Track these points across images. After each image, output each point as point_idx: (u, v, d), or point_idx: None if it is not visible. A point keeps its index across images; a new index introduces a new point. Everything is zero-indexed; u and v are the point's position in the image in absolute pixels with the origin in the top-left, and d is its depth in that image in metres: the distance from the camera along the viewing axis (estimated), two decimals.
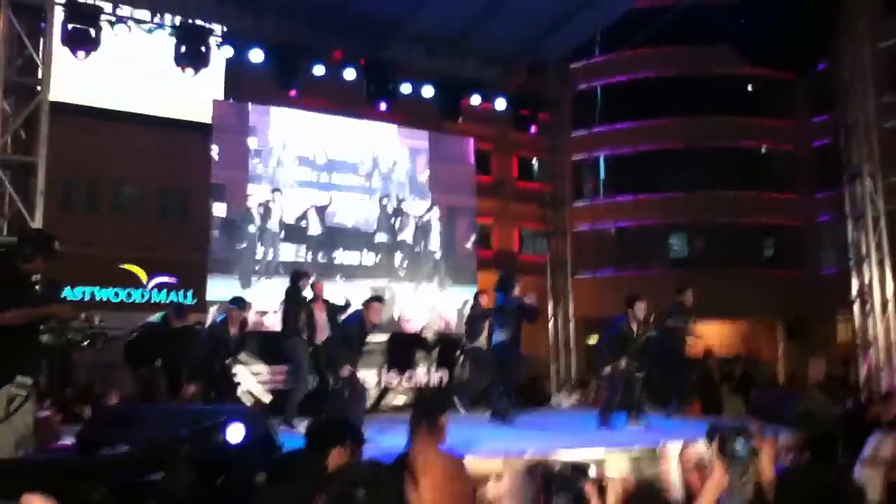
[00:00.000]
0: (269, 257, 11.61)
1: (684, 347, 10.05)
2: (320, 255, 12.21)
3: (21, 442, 5.32)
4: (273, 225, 11.82)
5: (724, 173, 25.42)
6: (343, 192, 12.76)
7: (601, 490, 2.16)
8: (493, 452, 6.61)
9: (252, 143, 12.05)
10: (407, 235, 13.10)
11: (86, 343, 5.99)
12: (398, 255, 13.03)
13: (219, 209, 11.48)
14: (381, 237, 12.91)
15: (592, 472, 2.21)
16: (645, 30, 14.73)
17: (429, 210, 13.34)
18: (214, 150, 11.69)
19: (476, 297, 10.38)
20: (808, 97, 25.05)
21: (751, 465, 2.71)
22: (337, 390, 8.38)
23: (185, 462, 4.40)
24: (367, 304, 8.64)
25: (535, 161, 26.21)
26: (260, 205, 11.84)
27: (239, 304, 9.24)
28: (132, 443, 5.19)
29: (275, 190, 11.98)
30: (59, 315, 5.44)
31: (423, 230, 13.24)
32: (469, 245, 13.81)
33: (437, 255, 13.33)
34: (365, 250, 12.70)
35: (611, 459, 6.43)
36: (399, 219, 13.09)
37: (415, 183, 13.38)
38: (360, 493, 2.06)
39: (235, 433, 4.49)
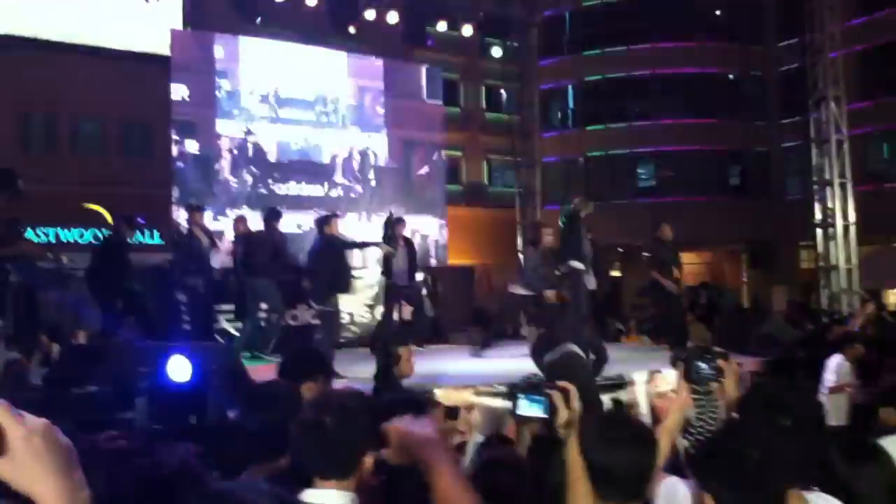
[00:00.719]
0: (244, 189, 11.33)
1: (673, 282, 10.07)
2: (279, 186, 11.90)
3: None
4: (241, 159, 11.51)
5: (692, 100, 25.37)
6: (302, 126, 12.31)
7: (566, 397, 2.17)
8: (462, 383, 6.70)
9: (216, 77, 11.58)
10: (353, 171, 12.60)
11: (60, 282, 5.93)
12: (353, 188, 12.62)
13: (190, 146, 11.11)
14: (338, 174, 12.50)
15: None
16: None
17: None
18: (178, 86, 11.25)
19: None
20: (775, 21, 24.91)
21: (714, 387, 2.75)
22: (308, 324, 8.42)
23: (142, 397, 4.42)
24: (325, 221, 8.62)
25: (502, 91, 25.96)
26: (230, 140, 11.49)
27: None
28: (101, 381, 5.18)
29: (247, 132, 11.58)
30: (28, 252, 5.39)
31: (364, 163, 12.69)
32: (422, 173, 13.20)
33: (373, 184, 12.71)
34: (325, 183, 12.30)
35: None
36: (349, 156, 12.60)
37: (370, 115, 12.74)
38: (329, 421, 2.06)
39: (179, 370, 4.41)
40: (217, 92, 11.41)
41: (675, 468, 2.85)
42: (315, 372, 3.87)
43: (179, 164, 10.94)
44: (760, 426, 2.16)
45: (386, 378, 4.94)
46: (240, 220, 9.60)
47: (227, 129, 11.42)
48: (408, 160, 13.02)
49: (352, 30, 11.67)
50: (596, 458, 2.11)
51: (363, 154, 12.65)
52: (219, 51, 11.56)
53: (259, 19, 11.46)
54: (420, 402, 3.56)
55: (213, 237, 9.35)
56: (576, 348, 5.92)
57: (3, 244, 5.44)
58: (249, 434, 2.57)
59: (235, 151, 11.41)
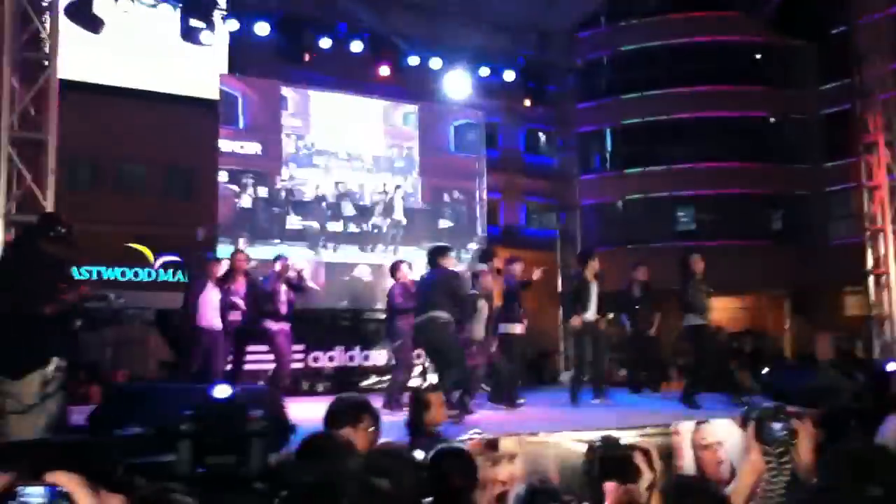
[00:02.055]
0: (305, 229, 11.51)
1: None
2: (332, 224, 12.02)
3: (51, 425, 5.34)
4: (298, 202, 11.64)
5: (732, 144, 25.17)
6: (345, 171, 12.36)
7: (647, 458, 2.06)
8: (505, 432, 6.53)
9: (282, 133, 11.65)
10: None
11: (111, 320, 6.02)
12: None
13: (255, 192, 11.21)
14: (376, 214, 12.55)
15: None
16: None
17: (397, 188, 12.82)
18: (252, 144, 11.29)
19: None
20: (816, 64, 24.70)
21: (789, 448, 2.59)
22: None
23: (184, 441, 4.36)
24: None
25: (541, 134, 26.00)
26: (283, 181, 11.57)
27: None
28: (143, 423, 5.14)
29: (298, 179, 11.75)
30: (87, 297, 5.51)
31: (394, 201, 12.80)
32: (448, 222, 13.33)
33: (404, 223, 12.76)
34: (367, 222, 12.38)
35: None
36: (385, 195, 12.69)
37: (404, 162, 12.85)
38: (384, 484, 1.98)
39: (221, 391, 4.44)
40: (283, 145, 11.62)
41: None
42: (360, 415, 3.81)
43: (242, 206, 10.90)
44: (849, 496, 2.02)
45: (417, 426, 4.83)
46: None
47: (288, 175, 11.70)
48: (437, 203, 13.19)
49: (385, 70, 11.69)
50: None
51: (394, 193, 12.80)
52: (289, 104, 11.78)
53: (300, 61, 11.51)
54: (467, 454, 3.45)
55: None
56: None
57: (69, 290, 5.55)
58: (301, 486, 2.49)
59: (293, 196, 11.68)
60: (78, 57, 13.83)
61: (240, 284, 8.76)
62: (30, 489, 0.98)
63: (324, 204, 11.95)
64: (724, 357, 12.45)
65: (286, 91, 12.09)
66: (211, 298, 8.50)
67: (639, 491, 2.06)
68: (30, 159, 8.11)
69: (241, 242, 10.84)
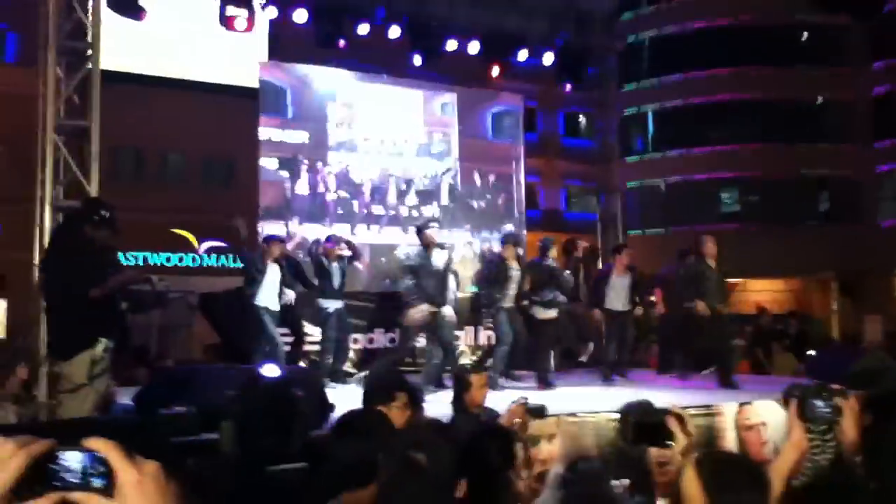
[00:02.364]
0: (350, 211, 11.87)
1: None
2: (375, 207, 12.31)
3: (99, 404, 5.49)
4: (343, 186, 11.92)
5: (778, 125, 24.71)
6: (386, 157, 12.54)
7: (682, 423, 2.05)
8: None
9: (326, 124, 11.82)
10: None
11: (155, 304, 6.17)
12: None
13: (309, 177, 11.51)
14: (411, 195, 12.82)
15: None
16: None
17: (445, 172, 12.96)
18: (299, 133, 11.52)
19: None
20: (864, 44, 24.09)
21: (833, 427, 2.55)
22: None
23: (230, 420, 4.44)
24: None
25: (581, 117, 25.80)
26: (329, 167, 11.80)
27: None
28: (188, 403, 5.26)
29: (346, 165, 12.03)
30: (132, 280, 5.65)
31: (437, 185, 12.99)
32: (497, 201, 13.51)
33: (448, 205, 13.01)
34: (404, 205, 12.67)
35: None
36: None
37: (443, 148, 13.01)
38: (423, 458, 1.99)
39: (270, 370, 4.53)
40: (328, 133, 11.85)
41: None
42: (393, 393, 3.85)
43: (292, 191, 11.22)
44: (891, 476, 1.98)
45: (458, 405, 4.84)
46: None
47: (335, 161, 11.96)
48: (475, 187, 13.30)
49: (417, 60, 11.71)
50: (708, 500, 2.00)
51: (440, 179, 12.93)
52: (335, 95, 11.98)
53: (339, 48, 11.54)
54: (506, 433, 3.45)
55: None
56: None
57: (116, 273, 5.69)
58: (341, 462, 2.52)
59: (339, 181, 11.94)
60: (120, 47, 14.09)
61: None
62: (68, 454, 1.00)
63: (369, 188, 12.16)
64: (764, 338, 12.30)
65: (332, 82, 12.21)
66: (272, 279, 8.51)
67: (674, 455, 2.05)
68: (75, 147, 8.28)
69: (294, 224, 11.22)
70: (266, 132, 11.36)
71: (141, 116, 18.02)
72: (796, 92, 24.65)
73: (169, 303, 9.64)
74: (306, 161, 11.56)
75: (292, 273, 8.82)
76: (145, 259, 18.83)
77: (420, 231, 8.40)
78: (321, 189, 11.75)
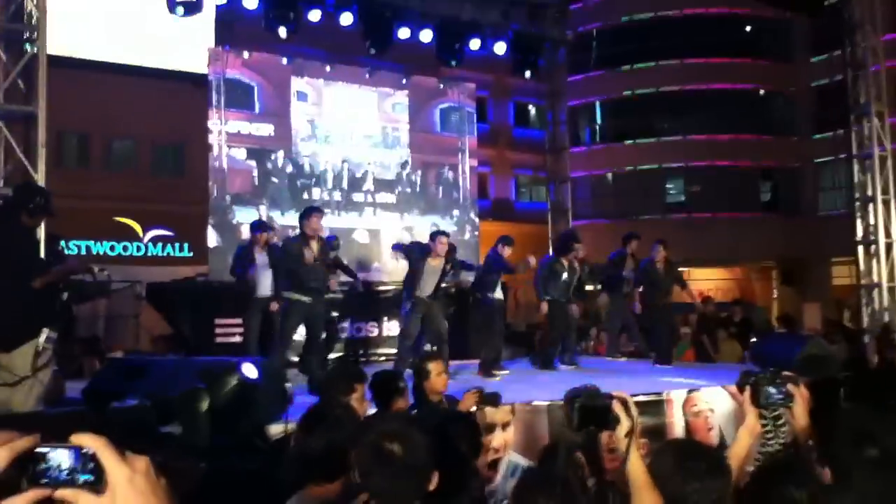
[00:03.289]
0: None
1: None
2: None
3: (45, 396, 5.36)
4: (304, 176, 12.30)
5: (722, 116, 25.21)
6: (343, 147, 12.84)
7: (625, 406, 2.11)
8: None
9: (290, 117, 12.24)
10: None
11: (95, 294, 6.04)
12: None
13: (274, 166, 12.01)
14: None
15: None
16: None
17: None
18: (265, 125, 12.07)
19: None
20: (805, 37, 24.71)
21: (785, 413, 2.65)
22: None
23: (202, 413, 4.39)
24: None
25: (531, 108, 25.95)
26: (293, 157, 12.27)
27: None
28: (141, 396, 5.17)
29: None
30: (74, 270, 5.53)
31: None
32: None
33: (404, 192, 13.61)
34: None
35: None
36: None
37: (393, 141, 13.43)
38: (397, 449, 2.01)
39: (250, 370, 4.47)
40: (293, 126, 12.46)
41: None
42: (353, 384, 3.87)
43: (259, 179, 11.67)
44: (846, 456, 2.07)
45: (418, 395, 4.86)
46: None
47: (298, 152, 12.61)
48: (426, 177, 13.80)
49: (381, 41, 11.74)
50: (672, 488, 2.06)
51: (390, 168, 13.45)
52: (298, 91, 12.51)
53: (289, 34, 11.48)
54: (472, 421, 3.50)
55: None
56: None
57: (57, 263, 5.57)
58: (310, 454, 2.52)
59: (303, 170, 12.60)
60: (66, 32, 13.69)
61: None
62: (57, 451, 0.99)
63: (330, 176, 12.62)
64: (708, 326, 12.58)
65: (297, 82, 12.65)
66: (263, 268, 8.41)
67: (618, 437, 2.11)
68: (19, 133, 8.02)
69: (263, 210, 11.81)
70: (235, 125, 11.87)
71: (86, 101, 17.57)
72: (740, 84, 25.18)
73: (110, 292, 9.49)
74: (272, 152, 12.14)
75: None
76: (88, 248, 18.40)
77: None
78: (284, 178, 12.28)
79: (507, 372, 8.82)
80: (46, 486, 0.97)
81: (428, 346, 8.66)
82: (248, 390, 3.95)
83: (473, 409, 4.83)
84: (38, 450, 0.98)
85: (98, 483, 0.98)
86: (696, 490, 2.05)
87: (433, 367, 4.90)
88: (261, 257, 8.37)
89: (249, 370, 4.16)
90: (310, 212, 7.80)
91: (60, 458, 0.98)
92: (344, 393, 3.75)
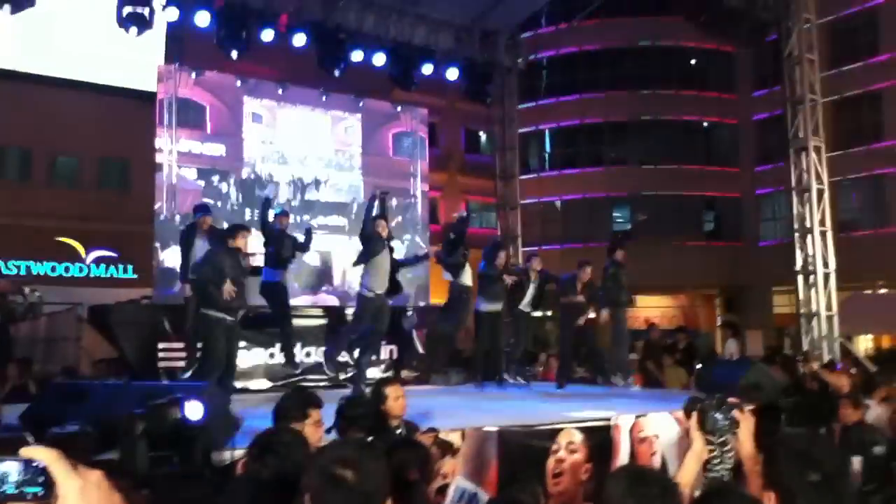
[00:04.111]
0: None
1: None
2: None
3: None
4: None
5: (667, 146, 25.79)
6: (296, 167, 12.85)
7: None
8: (451, 426, 6.56)
9: (242, 138, 12.19)
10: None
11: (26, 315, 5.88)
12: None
13: (224, 186, 11.95)
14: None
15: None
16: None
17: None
18: (217, 146, 11.97)
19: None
20: (749, 71, 25.50)
21: (731, 438, 2.70)
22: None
23: (142, 439, 4.27)
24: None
25: (481, 134, 26.17)
26: (244, 178, 12.20)
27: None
28: (81, 420, 5.02)
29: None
30: (4, 290, 5.37)
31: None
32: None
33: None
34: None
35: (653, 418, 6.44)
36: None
37: (348, 165, 13.49)
38: (350, 475, 1.98)
39: (194, 410, 4.36)
40: (244, 146, 12.40)
41: None
42: (308, 410, 3.81)
43: (207, 199, 11.54)
44: (790, 481, 2.12)
45: (375, 419, 4.82)
46: None
47: (249, 173, 12.56)
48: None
49: (335, 64, 11.79)
50: None
51: (342, 191, 13.42)
52: (252, 113, 12.45)
53: (241, 54, 11.43)
54: (422, 447, 3.48)
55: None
56: None
57: None
58: (259, 482, 2.48)
59: (254, 190, 12.47)
60: (7, 44, 13.43)
61: None
62: (5, 463, 0.98)
63: (283, 198, 12.66)
64: (655, 353, 12.76)
65: (250, 103, 12.61)
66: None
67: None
68: None
69: None
70: (186, 144, 11.78)
71: (29, 115, 17.19)
72: (685, 115, 25.82)
73: (41, 313, 9.23)
74: (222, 172, 12.10)
75: None
76: (28, 268, 17.90)
77: None
78: (235, 198, 12.24)
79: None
80: None
81: None
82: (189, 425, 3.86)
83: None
84: None
85: (48, 496, 0.98)
86: None
87: (391, 391, 4.85)
88: (201, 242, 8.29)
89: (193, 410, 4.04)
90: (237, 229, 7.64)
91: (9, 469, 0.98)
92: (297, 419, 3.70)
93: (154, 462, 3.86)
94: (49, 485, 0.98)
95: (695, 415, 2.71)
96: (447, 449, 4.98)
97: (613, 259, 10.02)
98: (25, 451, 0.99)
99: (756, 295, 24.65)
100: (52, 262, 18.52)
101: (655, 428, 7.49)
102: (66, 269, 18.83)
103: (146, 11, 10.25)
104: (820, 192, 11.79)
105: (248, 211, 12.25)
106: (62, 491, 0.98)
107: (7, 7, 9.29)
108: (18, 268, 17.32)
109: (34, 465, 0.98)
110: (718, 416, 2.68)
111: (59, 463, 0.99)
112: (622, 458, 7.06)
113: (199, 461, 4.29)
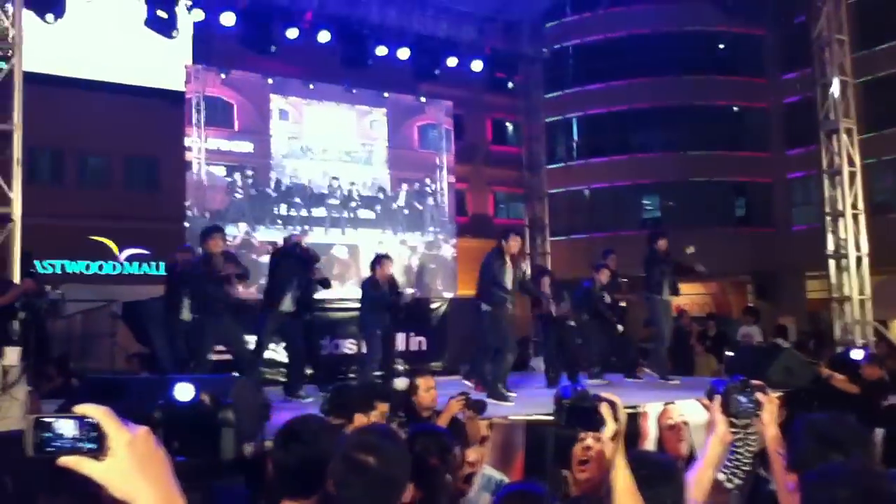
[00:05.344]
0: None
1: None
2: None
3: (26, 411, 5.35)
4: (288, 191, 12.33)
5: (696, 132, 25.51)
6: (326, 163, 12.97)
7: (613, 409, 2.14)
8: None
9: (259, 124, 12.40)
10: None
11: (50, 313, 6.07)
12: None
13: (254, 183, 12.32)
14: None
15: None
16: None
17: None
18: (244, 143, 12.32)
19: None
20: (778, 54, 25.11)
21: (755, 420, 2.70)
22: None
23: (159, 431, 4.37)
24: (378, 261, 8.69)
25: (508, 124, 26.11)
26: (273, 175, 12.54)
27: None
28: (117, 415, 5.13)
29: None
30: (26, 291, 5.58)
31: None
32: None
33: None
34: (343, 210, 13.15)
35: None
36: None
37: (376, 159, 13.56)
38: (373, 461, 2.02)
39: (183, 392, 4.41)
40: (272, 143, 12.75)
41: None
42: (377, 402, 3.89)
43: (237, 196, 11.65)
44: (812, 463, 2.12)
45: (408, 410, 4.87)
46: None
47: (279, 169, 12.91)
48: (403, 193, 14.13)
49: (360, 59, 11.88)
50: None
51: (368, 185, 13.69)
52: (278, 111, 12.82)
53: (267, 52, 11.50)
54: (441, 434, 3.51)
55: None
56: None
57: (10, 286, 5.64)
58: (285, 469, 2.52)
59: (282, 186, 12.82)
60: (41, 48, 13.62)
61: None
62: (60, 421, 1.05)
63: (310, 193, 12.76)
64: (685, 340, 12.68)
65: (276, 100, 12.93)
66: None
67: (604, 439, 2.14)
68: None
69: (243, 226, 12.13)
70: (214, 142, 12.07)
71: (60, 118, 17.44)
72: (714, 100, 25.50)
73: (63, 311, 9.40)
74: (251, 169, 12.33)
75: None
76: (63, 267, 18.21)
77: None
78: (264, 194, 12.55)
79: None
80: (51, 454, 1.04)
81: None
82: (208, 411, 3.93)
83: (460, 415, 4.84)
84: (43, 419, 1.05)
85: (100, 450, 1.04)
86: (650, 498, 2.11)
87: (422, 382, 4.89)
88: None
89: (183, 392, 4.11)
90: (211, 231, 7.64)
91: (64, 427, 1.04)
92: (364, 410, 3.77)
93: (182, 453, 3.94)
94: (101, 439, 1.04)
95: (718, 398, 2.70)
96: (480, 409, 5.03)
97: (653, 248, 9.73)
98: (79, 409, 1.06)
99: (789, 281, 24.33)
100: (87, 261, 18.83)
101: (684, 415, 7.48)
102: (101, 268, 19.13)
103: (173, 14, 10.37)
104: (852, 175, 11.60)
105: (278, 206, 12.38)
106: (112, 444, 1.05)
107: (50, 16, 9.46)
108: (53, 266, 17.62)
109: (87, 421, 1.05)
110: (742, 398, 2.67)
111: (109, 419, 1.06)
112: (650, 445, 7.06)
113: (229, 452, 4.37)
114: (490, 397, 7.50)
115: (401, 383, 7.39)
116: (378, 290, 8.66)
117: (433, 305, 11.87)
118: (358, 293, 12.10)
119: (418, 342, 12.06)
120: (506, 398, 7.65)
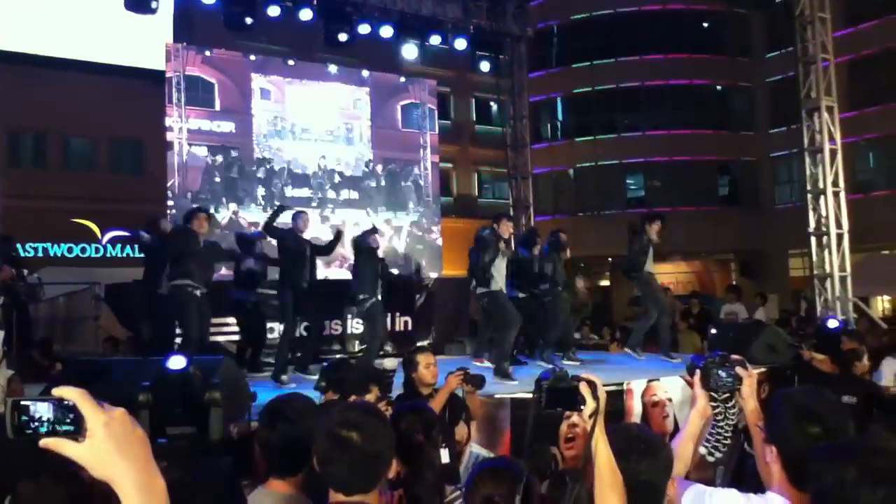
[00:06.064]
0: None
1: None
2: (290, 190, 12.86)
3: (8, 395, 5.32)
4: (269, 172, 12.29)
5: (681, 112, 25.55)
6: (310, 143, 12.91)
7: (592, 389, 2.17)
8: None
9: (252, 115, 12.28)
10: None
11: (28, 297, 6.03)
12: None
13: (235, 162, 12.27)
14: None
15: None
16: None
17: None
18: (226, 123, 12.23)
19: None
20: (762, 33, 25.16)
21: (735, 394, 2.73)
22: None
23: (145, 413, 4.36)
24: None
25: (492, 104, 26.07)
26: (254, 155, 12.45)
27: None
28: (101, 397, 5.12)
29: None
30: (3, 278, 5.54)
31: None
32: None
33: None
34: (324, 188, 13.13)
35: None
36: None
37: (357, 138, 13.54)
38: (356, 437, 2.03)
39: (176, 362, 4.43)
40: (253, 123, 12.66)
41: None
42: (371, 384, 3.90)
43: (220, 176, 11.57)
44: (790, 434, 2.16)
45: (408, 387, 4.88)
46: None
47: (260, 149, 12.87)
48: (386, 172, 14.01)
49: (343, 37, 11.71)
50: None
51: (351, 165, 13.62)
52: (259, 89, 12.70)
53: (249, 30, 11.40)
54: (425, 410, 3.53)
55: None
56: None
57: None
58: (271, 448, 2.54)
59: (264, 166, 12.75)
60: (18, 27, 13.45)
61: None
62: (38, 404, 1.06)
63: (293, 173, 12.69)
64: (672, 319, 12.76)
65: (257, 79, 12.76)
66: None
67: (583, 418, 2.18)
68: None
69: (232, 207, 12.12)
70: (196, 122, 11.98)
71: (41, 99, 17.25)
72: (698, 79, 25.53)
73: (41, 295, 9.35)
74: (233, 150, 12.27)
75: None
76: (45, 250, 18.08)
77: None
78: (247, 174, 12.46)
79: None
80: (29, 436, 1.05)
81: None
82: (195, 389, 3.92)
83: (459, 390, 4.87)
84: (22, 402, 1.06)
85: (78, 432, 1.05)
86: (634, 471, 2.15)
87: (422, 358, 4.89)
88: None
89: (176, 362, 4.14)
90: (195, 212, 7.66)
91: (42, 410, 1.06)
92: (358, 393, 3.78)
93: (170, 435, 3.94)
94: (79, 421, 1.05)
95: (698, 372, 2.74)
96: (479, 383, 5.07)
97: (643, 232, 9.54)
98: (56, 391, 1.06)
99: (772, 259, 24.54)
100: (69, 244, 18.70)
101: (668, 392, 7.55)
102: (83, 250, 19.02)
103: None
104: (833, 153, 11.67)
105: (261, 186, 12.32)
106: (89, 426, 1.06)
107: None
108: (36, 249, 17.49)
109: (64, 403, 1.06)
110: (721, 373, 2.70)
111: (86, 400, 1.06)
112: (635, 419, 7.14)
113: (215, 433, 4.36)
114: (496, 375, 7.59)
115: (389, 364, 7.42)
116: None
117: (418, 284, 11.88)
118: (343, 274, 12.21)
119: (404, 322, 12.10)
120: (510, 377, 7.69)
